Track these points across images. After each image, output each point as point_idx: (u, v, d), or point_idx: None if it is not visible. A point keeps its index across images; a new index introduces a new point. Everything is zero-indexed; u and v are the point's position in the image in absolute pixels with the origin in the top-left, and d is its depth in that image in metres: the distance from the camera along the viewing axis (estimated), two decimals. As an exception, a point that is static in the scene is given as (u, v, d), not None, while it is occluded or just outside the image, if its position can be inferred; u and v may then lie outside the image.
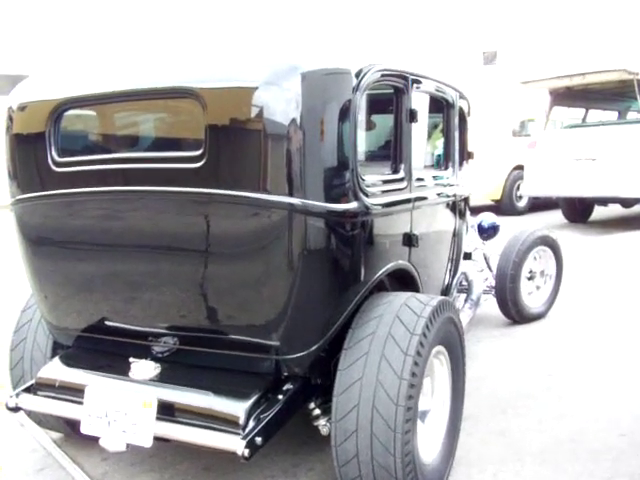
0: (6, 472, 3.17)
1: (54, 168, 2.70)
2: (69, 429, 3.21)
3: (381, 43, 21.21)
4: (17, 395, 2.84)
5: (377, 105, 3.05)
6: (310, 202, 2.39)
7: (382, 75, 2.82)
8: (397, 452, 2.40)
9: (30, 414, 3.22)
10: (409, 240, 3.07)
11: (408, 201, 3.06)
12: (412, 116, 3.02)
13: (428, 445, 2.80)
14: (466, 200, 4.27)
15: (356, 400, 2.46)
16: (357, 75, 2.60)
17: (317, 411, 2.75)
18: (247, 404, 2.46)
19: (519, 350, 4.72)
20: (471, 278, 4.68)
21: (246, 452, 2.31)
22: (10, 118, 2.78)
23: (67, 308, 2.94)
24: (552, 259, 5.45)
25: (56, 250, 2.85)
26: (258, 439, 2.37)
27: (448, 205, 3.82)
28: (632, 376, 4.14)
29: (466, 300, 4.63)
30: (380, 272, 2.83)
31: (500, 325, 5.29)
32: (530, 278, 5.34)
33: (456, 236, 4.06)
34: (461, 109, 4.06)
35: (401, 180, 3.02)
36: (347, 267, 2.65)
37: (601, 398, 3.82)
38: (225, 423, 2.43)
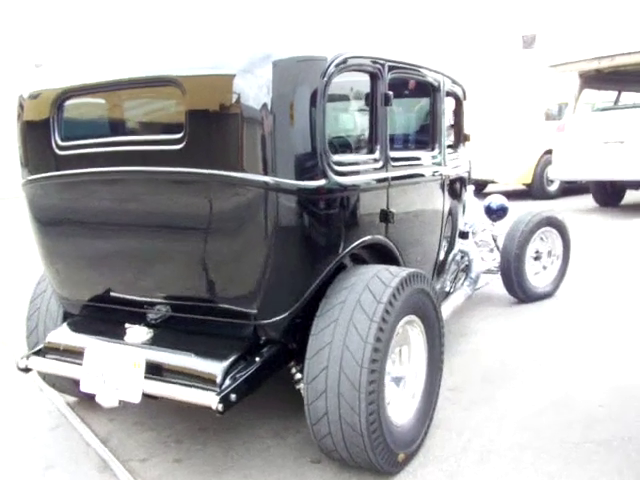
0: (25, 429, 3.49)
1: (57, 151, 2.97)
2: (79, 391, 3.49)
3: (422, 27, 21.12)
4: (27, 357, 3.14)
5: (359, 88, 3.22)
6: (282, 180, 2.60)
7: (352, 62, 2.97)
8: (362, 411, 2.61)
9: (45, 378, 3.54)
10: (385, 216, 3.24)
11: (384, 180, 3.23)
12: (387, 100, 3.17)
13: (402, 408, 3.01)
14: (461, 180, 4.41)
15: (325, 363, 2.68)
16: (328, 62, 2.79)
17: (298, 375, 2.96)
18: (224, 364, 2.69)
19: (518, 327, 4.85)
20: (471, 257, 4.82)
21: (220, 407, 2.55)
22: (21, 106, 3.08)
23: (74, 281, 3.21)
24: (559, 240, 5.55)
25: (59, 228, 3.12)
26: (232, 396, 2.61)
27: (435, 184, 3.97)
28: (626, 359, 4.23)
29: (465, 278, 4.80)
30: (351, 245, 3.01)
31: (506, 304, 5.42)
32: (537, 258, 5.46)
33: (450, 215, 4.20)
34: (456, 94, 4.20)
35: (376, 160, 3.18)
36: (316, 240, 2.84)
37: (590, 376, 3.95)
38: (204, 381, 2.67)
